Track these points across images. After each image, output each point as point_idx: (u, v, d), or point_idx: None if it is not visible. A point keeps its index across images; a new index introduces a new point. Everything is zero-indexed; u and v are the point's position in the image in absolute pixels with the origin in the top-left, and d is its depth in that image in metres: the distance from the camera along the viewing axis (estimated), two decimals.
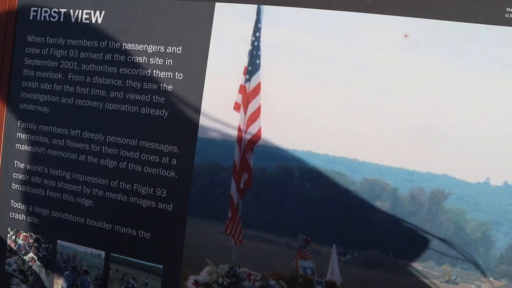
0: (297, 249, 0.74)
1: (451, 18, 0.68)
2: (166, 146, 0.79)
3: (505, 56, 0.69)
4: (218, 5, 0.76)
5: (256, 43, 0.73)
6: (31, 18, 0.86)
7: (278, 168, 0.73)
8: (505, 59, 0.69)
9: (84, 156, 0.82)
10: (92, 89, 0.81)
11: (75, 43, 0.82)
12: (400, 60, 0.71)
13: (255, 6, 0.74)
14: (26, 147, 0.87)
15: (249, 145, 0.74)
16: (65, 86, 0.83)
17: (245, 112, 0.75)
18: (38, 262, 0.88)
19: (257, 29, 0.74)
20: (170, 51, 0.77)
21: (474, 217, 0.70)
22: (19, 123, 0.87)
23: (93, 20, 0.82)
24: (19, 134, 0.88)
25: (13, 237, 0.89)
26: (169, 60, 0.77)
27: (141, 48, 0.79)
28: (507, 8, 0.67)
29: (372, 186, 0.71)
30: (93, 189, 0.83)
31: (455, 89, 0.70)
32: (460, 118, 0.69)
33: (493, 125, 0.69)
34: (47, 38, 0.85)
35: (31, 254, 0.88)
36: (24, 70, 0.87)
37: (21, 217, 0.88)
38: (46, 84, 0.85)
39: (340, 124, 0.72)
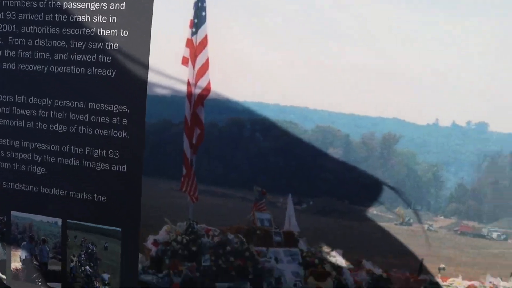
0: (253, 201, 0.74)
1: None
2: (116, 107, 0.76)
3: (453, 0, 0.69)
4: None
5: None
6: None
7: (229, 121, 0.73)
8: (453, 3, 0.69)
9: (32, 122, 0.79)
10: (35, 52, 0.78)
11: (11, 4, 0.78)
12: (347, 9, 0.70)
13: None
14: None
15: (199, 99, 0.73)
16: (5, 51, 0.79)
17: (194, 66, 0.73)
18: None
19: None
20: (113, 7, 0.74)
21: (424, 159, 0.71)
22: None
23: None
24: None
25: None
26: (113, 18, 0.74)
27: (83, 6, 0.76)
28: None
29: (324, 133, 0.71)
30: (44, 156, 0.80)
31: (402, 34, 0.70)
32: (408, 62, 0.69)
33: (441, 68, 0.69)
34: None
35: None
36: None
37: None
38: None
39: (290, 73, 0.71)
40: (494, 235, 0.71)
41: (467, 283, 0.74)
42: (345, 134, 0.70)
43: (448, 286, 0.74)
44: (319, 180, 0.72)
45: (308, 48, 0.71)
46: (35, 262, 0.84)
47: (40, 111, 0.78)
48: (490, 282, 0.73)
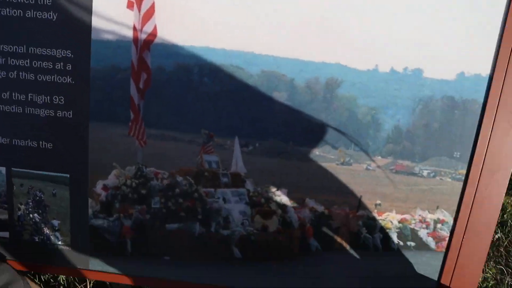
0: (200, 144, 0.76)
1: None
2: (58, 51, 0.74)
3: None
4: None
5: None
6: None
7: (176, 66, 0.72)
8: None
9: None
10: None
11: None
12: None
13: None
14: None
15: (146, 44, 0.72)
16: None
17: (139, 10, 0.71)
18: None
19: None
20: None
21: (364, 102, 0.75)
22: None
23: None
24: None
25: None
26: None
27: None
28: None
29: (269, 78, 0.72)
30: None
31: None
32: (350, 9, 0.71)
33: (380, 17, 0.72)
34: None
35: None
36: None
37: None
38: None
39: (236, 18, 0.71)
40: (425, 173, 0.78)
41: (400, 216, 0.81)
42: (290, 78, 0.72)
43: (383, 220, 0.81)
44: (265, 123, 0.74)
45: None
46: None
47: None
48: (419, 215, 0.81)
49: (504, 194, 0.78)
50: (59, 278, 1.43)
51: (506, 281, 1.69)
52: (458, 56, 0.72)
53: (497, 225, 1.83)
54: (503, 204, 1.88)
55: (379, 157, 0.77)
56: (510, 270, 1.73)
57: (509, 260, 1.76)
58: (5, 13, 0.73)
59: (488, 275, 1.71)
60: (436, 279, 0.84)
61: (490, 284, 1.68)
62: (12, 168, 0.80)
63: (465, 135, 0.75)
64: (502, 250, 1.79)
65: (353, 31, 0.72)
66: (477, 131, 0.75)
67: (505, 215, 1.87)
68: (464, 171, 0.77)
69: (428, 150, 0.76)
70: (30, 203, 0.82)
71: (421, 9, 0.71)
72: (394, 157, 0.77)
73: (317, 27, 0.72)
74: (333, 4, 0.71)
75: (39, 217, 0.83)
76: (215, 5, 0.71)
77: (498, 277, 1.72)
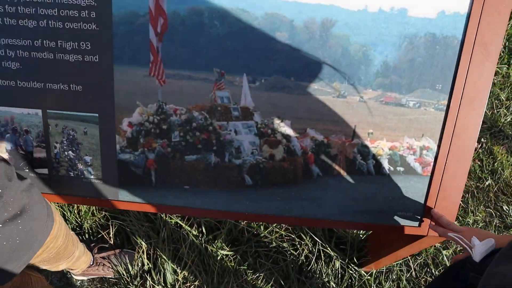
0: (213, 82, 0.86)
1: None
2: (83, 0, 0.83)
3: None
4: None
5: None
6: None
7: (189, 11, 0.81)
8: None
9: (2, 18, 0.85)
10: None
11: None
12: None
13: None
14: None
15: None
16: None
17: None
18: None
19: None
20: None
21: (356, 40, 0.84)
22: None
23: None
24: None
25: None
26: None
27: None
28: None
29: (272, 19, 0.82)
30: (18, 51, 0.87)
31: None
32: None
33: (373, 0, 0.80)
34: None
35: None
36: None
37: None
38: None
39: None
40: (411, 103, 0.88)
41: (390, 144, 0.92)
42: (290, 19, 0.81)
43: (375, 147, 0.92)
44: (269, 61, 0.84)
45: None
46: (20, 151, 0.93)
47: (6, 7, 0.83)
48: (407, 143, 0.91)
49: (481, 121, 0.89)
50: (84, 227, 1.57)
51: (494, 223, 1.84)
52: None
53: (487, 172, 1.96)
54: (493, 152, 2.01)
55: (370, 90, 0.87)
56: (498, 213, 1.87)
57: (498, 204, 1.91)
58: None
59: (478, 217, 1.85)
60: (422, 201, 0.96)
61: (479, 226, 1.82)
62: (48, 110, 0.91)
63: (446, 69, 0.85)
64: (491, 195, 1.93)
65: None
66: (457, 64, 0.85)
67: (495, 164, 1.99)
68: (445, 102, 0.87)
69: (413, 83, 0.86)
70: (65, 142, 0.93)
71: None
72: (383, 89, 0.87)
73: None
74: None
75: (73, 154, 0.94)
76: None
77: (487, 219, 1.86)
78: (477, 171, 1.96)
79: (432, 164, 0.92)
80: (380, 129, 0.90)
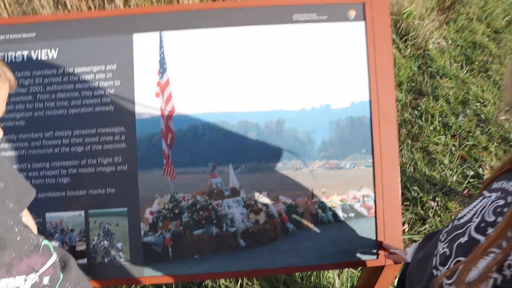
0: (209, 173, 1.22)
1: (262, 23, 1.25)
2: (116, 128, 1.22)
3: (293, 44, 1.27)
4: (135, 35, 1.24)
5: (162, 55, 1.22)
6: None
7: (188, 127, 1.21)
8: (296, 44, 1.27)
9: (58, 148, 1.21)
10: (56, 102, 1.22)
11: (39, 73, 1.22)
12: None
13: (158, 33, 1.24)
14: (8, 153, 1.22)
15: (169, 117, 1.22)
16: (35, 104, 1.22)
17: (163, 97, 1.22)
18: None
19: (161, 45, 1.23)
20: (108, 68, 1.22)
21: (301, 130, 1.25)
22: (1, 137, 1.22)
23: (50, 56, 1.23)
24: (2, 145, 1.23)
25: None
26: (109, 74, 1.21)
27: (88, 69, 1.22)
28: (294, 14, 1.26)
29: (243, 125, 1.23)
30: (69, 169, 1.21)
31: (280, 62, 1.26)
32: (285, 70, 1.25)
33: (299, 78, 1.26)
34: (15, 73, 1.23)
35: None
36: None
37: None
38: (20, 105, 1.23)
39: (225, 91, 1.23)
40: (347, 165, 1.26)
41: (340, 197, 1.27)
42: (256, 123, 1.22)
43: (330, 201, 1.27)
44: (246, 152, 1.22)
45: (234, 76, 1.24)
46: (66, 248, 1.21)
47: (63, 139, 1.21)
48: (352, 194, 1.27)
49: (398, 169, 1.27)
50: None
51: None
52: (348, 92, 1.26)
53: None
54: (449, 207, 2.38)
55: (317, 161, 1.25)
56: None
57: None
58: (83, 111, 1.21)
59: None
60: (374, 238, 1.28)
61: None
62: (89, 211, 1.22)
63: (365, 138, 1.26)
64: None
65: (289, 85, 1.25)
66: (371, 134, 1.26)
67: (452, 217, 2.35)
68: (371, 160, 1.26)
69: (346, 151, 1.26)
70: (101, 234, 1.22)
71: (324, 71, 1.26)
72: (326, 159, 1.26)
73: (266, 88, 1.25)
74: (273, 77, 1.25)
75: (107, 243, 1.23)
76: (212, 86, 1.23)
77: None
78: (439, 226, 2.29)
79: (373, 207, 1.27)
80: (330, 188, 1.26)
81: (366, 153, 1.26)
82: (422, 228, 2.28)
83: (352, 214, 1.27)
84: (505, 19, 4.18)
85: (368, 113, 1.26)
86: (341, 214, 1.26)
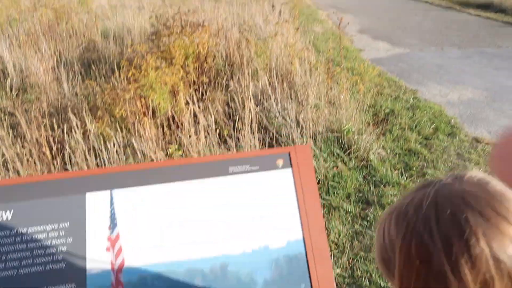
0: None
1: (202, 177, 1.44)
2: (67, 285, 1.28)
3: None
4: (88, 194, 1.37)
5: (112, 211, 1.35)
6: None
7: (139, 278, 1.30)
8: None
9: None
10: (7, 263, 1.28)
11: None
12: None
13: (108, 191, 1.38)
14: None
15: (119, 269, 1.30)
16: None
17: (113, 251, 1.32)
18: None
19: (112, 202, 1.37)
20: (61, 226, 1.32)
21: (244, 271, 1.36)
22: None
23: (4, 218, 1.33)
24: None
25: None
26: (62, 231, 1.31)
27: (41, 228, 1.32)
28: (230, 167, 1.46)
29: (190, 272, 1.33)
30: None
31: (220, 210, 1.42)
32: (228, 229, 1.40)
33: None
34: None
35: None
36: None
37: None
38: None
39: (171, 242, 1.35)
40: None
41: None
42: (201, 268, 1.33)
43: None
44: None
45: (178, 222, 1.37)
46: None
47: None
48: None
49: None
50: None
51: None
52: (284, 233, 1.41)
53: None
54: None
55: None
56: None
57: None
58: (32, 269, 1.27)
59: None
60: None
61: None
62: None
63: (303, 273, 1.38)
64: None
65: (228, 237, 1.39)
66: (308, 269, 1.39)
67: None
68: None
69: None
70: None
71: (260, 215, 1.42)
72: None
73: (211, 240, 1.38)
74: (214, 225, 1.39)
75: None
76: (156, 241, 1.35)
77: None
78: None
79: None
80: None
81: None
82: None
83: None
84: (431, 127, 4.74)
85: (303, 250, 1.40)
86: None
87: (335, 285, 1.40)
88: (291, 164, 1.51)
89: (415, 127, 4.75)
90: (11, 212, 1.34)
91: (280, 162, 1.51)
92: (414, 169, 3.99)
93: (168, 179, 1.43)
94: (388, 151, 4.27)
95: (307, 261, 1.40)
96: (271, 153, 1.55)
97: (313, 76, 4.89)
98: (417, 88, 6.22)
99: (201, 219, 1.40)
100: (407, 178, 3.82)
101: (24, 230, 1.33)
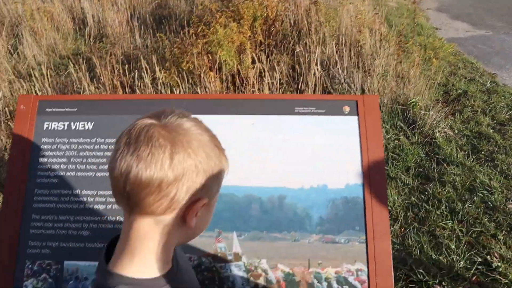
0: (215, 237, 1.34)
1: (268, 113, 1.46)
2: None
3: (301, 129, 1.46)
4: None
5: None
6: (44, 128, 1.46)
7: None
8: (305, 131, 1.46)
9: (83, 205, 1.37)
10: (86, 166, 1.41)
11: (75, 141, 1.43)
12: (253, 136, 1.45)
13: None
14: (40, 205, 1.39)
15: None
16: (68, 165, 1.41)
17: None
18: (50, 280, 1.33)
19: None
20: None
21: (300, 205, 1.39)
22: (36, 191, 1.40)
23: (86, 128, 1.45)
24: (36, 197, 1.40)
25: (30, 266, 1.35)
26: None
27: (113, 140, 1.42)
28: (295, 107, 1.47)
29: (248, 198, 1.38)
30: (90, 224, 1.36)
31: (284, 146, 1.44)
32: (287, 152, 1.42)
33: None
34: (55, 139, 1.44)
35: (44, 275, 1.34)
36: (39, 159, 1.43)
37: (37, 250, 1.36)
38: (56, 165, 1.42)
39: (234, 168, 1.39)
40: (342, 240, 1.36)
41: (335, 269, 1.36)
42: (259, 197, 1.37)
43: (325, 272, 1.36)
44: (249, 222, 1.35)
45: (240, 156, 1.42)
46: None
47: (88, 198, 1.37)
48: (346, 267, 1.36)
49: (390, 247, 1.36)
50: None
51: None
52: (344, 176, 1.41)
53: None
54: None
55: (314, 235, 1.37)
56: None
57: None
58: (107, 174, 1.39)
59: None
60: None
61: None
62: None
63: (358, 216, 1.38)
64: None
65: (288, 172, 1.42)
66: (364, 212, 1.38)
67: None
68: (364, 237, 1.37)
69: (340, 227, 1.38)
70: None
71: (321, 156, 1.42)
72: (322, 233, 1.37)
73: (273, 172, 1.41)
74: (277, 159, 1.42)
75: None
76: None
77: None
78: None
79: (366, 281, 1.35)
80: (326, 260, 1.36)
81: (360, 230, 1.37)
82: None
83: (346, 287, 1.35)
84: (508, 113, 4.39)
85: (361, 194, 1.39)
86: (335, 285, 1.34)
87: (389, 232, 1.38)
88: (357, 112, 1.48)
89: (489, 111, 4.42)
90: (92, 124, 1.45)
91: (346, 108, 1.49)
92: (482, 152, 3.74)
93: (236, 112, 1.47)
94: (456, 131, 4.03)
95: (364, 205, 1.39)
96: (338, 99, 1.53)
97: (383, 47, 4.68)
98: (496, 72, 5.75)
99: (264, 152, 1.43)
100: (473, 160, 3.61)
101: (102, 141, 1.44)
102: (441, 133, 3.93)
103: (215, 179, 0.78)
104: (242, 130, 1.44)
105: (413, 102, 3.89)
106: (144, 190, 0.70)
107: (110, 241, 0.87)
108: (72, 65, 4.52)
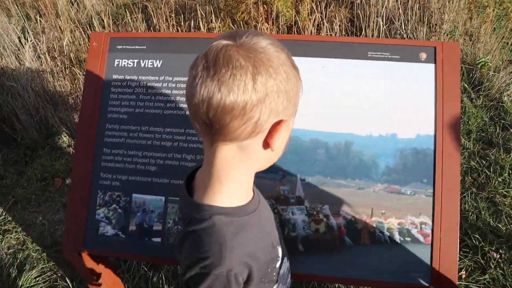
0: (278, 180, 1.35)
1: (344, 57, 1.39)
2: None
3: (373, 72, 1.39)
4: None
5: None
6: (115, 65, 1.49)
7: None
8: (375, 75, 1.39)
9: (151, 141, 1.41)
10: (154, 103, 1.43)
11: (144, 78, 1.45)
12: (324, 79, 1.40)
13: None
14: (111, 139, 1.45)
15: None
16: (137, 102, 1.44)
17: None
18: (119, 210, 1.41)
19: None
20: None
21: (367, 153, 1.35)
22: (107, 125, 1.46)
23: (155, 65, 1.46)
24: (107, 132, 1.45)
25: (102, 196, 1.43)
26: None
27: (184, 79, 1.43)
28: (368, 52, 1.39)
29: (314, 142, 1.35)
30: (157, 160, 1.40)
31: (354, 91, 1.38)
32: (353, 101, 1.37)
33: (371, 106, 1.36)
34: (125, 76, 1.47)
35: (114, 205, 1.42)
36: (110, 95, 1.48)
37: (108, 182, 1.43)
38: (125, 102, 1.45)
39: (301, 111, 1.37)
40: (408, 192, 1.32)
41: (398, 220, 1.33)
42: (325, 142, 1.34)
43: (388, 223, 1.33)
44: (314, 166, 1.33)
45: (309, 101, 1.38)
46: (145, 225, 1.39)
47: (155, 134, 1.40)
48: (410, 219, 1.33)
49: (458, 203, 1.31)
50: None
51: None
52: (415, 125, 1.34)
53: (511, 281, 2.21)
54: None
55: (379, 184, 1.33)
56: None
57: None
58: (176, 112, 1.41)
59: None
60: (429, 265, 1.31)
61: None
62: (169, 197, 1.39)
63: (428, 168, 1.32)
64: None
65: (357, 114, 1.36)
66: (434, 165, 1.32)
67: None
68: (431, 190, 1.32)
69: (407, 178, 1.33)
70: (176, 218, 1.39)
71: (393, 104, 1.36)
72: (388, 183, 1.33)
73: (339, 113, 1.37)
74: (347, 106, 1.37)
75: (181, 227, 1.38)
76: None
77: None
78: (501, 279, 2.20)
79: (430, 235, 1.31)
80: (389, 210, 1.33)
81: (427, 183, 1.32)
82: (482, 278, 2.20)
83: (408, 239, 1.32)
84: None
85: (432, 146, 1.32)
86: (397, 237, 1.32)
87: (459, 189, 1.31)
88: (435, 59, 1.38)
89: None
90: (161, 62, 1.46)
91: (423, 55, 1.39)
92: None
93: (306, 54, 1.41)
94: None
95: (435, 158, 1.32)
96: (416, 45, 1.43)
97: (452, 1, 4.31)
98: None
99: (332, 96, 1.38)
100: None
101: (170, 79, 1.45)
102: (510, 96, 3.64)
103: (294, 99, 0.75)
104: (311, 73, 1.39)
105: (481, 61, 3.60)
106: (228, 115, 0.68)
107: (188, 176, 0.88)
108: (128, 14, 4.56)
